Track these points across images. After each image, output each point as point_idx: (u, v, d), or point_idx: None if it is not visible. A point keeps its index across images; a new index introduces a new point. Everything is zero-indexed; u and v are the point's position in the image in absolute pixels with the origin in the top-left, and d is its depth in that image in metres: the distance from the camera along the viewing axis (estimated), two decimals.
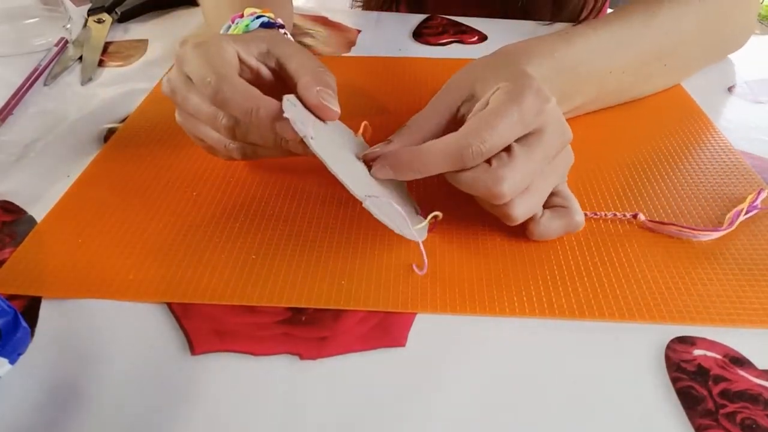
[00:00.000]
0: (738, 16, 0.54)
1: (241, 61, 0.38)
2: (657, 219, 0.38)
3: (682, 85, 0.54)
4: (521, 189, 0.33)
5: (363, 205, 0.32)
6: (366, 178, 0.34)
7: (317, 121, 0.35)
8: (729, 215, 0.38)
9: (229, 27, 0.44)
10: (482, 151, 0.32)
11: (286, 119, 0.32)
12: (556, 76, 0.41)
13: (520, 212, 0.34)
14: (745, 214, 0.38)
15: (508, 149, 0.33)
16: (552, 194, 0.36)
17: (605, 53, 0.45)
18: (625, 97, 0.50)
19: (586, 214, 0.38)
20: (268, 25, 0.43)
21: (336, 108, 0.35)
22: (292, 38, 0.44)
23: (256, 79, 0.38)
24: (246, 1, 0.46)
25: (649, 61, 0.48)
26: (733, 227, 0.37)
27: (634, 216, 0.38)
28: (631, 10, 0.47)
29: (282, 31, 0.44)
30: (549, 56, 0.41)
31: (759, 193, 0.39)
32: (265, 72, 0.39)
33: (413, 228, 0.33)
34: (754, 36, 0.59)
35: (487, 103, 0.34)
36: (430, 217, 0.34)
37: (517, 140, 0.33)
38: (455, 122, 0.36)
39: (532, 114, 0.33)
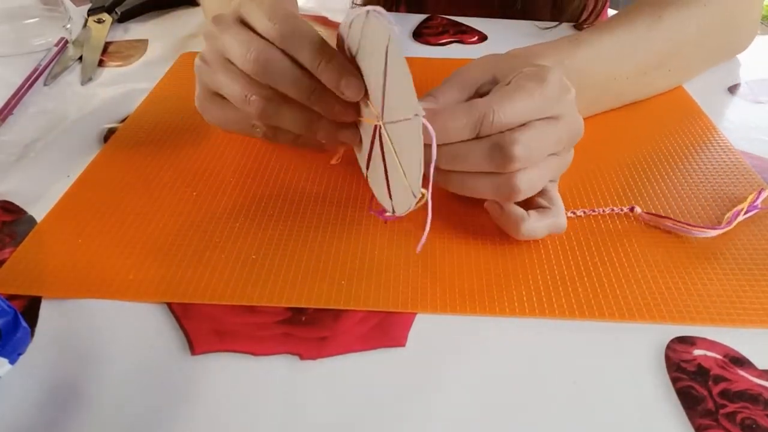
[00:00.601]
0: (741, 19, 0.54)
1: None
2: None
3: (683, 86, 0.54)
4: (532, 160, 0.33)
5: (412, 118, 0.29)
6: None
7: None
8: (728, 215, 0.38)
9: None
10: (501, 121, 0.32)
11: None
12: None
13: (524, 185, 0.33)
14: (745, 213, 0.38)
15: (524, 125, 0.33)
16: (539, 194, 0.36)
17: (609, 61, 0.45)
18: (628, 100, 0.50)
19: (584, 212, 0.38)
20: None
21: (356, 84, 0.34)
22: None
23: None
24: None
25: (653, 66, 0.48)
26: (731, 226, 0.37)
27: (631, 209, 0.38)
28: (634, 15, 0.47)
29: None
30: (553, 63, 0.41)
31: (759, 193, 0.39)
32: None
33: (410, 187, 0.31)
34: None
35: (509, 83, 0.34)
36: (421, 197, 0.31)
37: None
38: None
39: (554, 99, 0.33)
